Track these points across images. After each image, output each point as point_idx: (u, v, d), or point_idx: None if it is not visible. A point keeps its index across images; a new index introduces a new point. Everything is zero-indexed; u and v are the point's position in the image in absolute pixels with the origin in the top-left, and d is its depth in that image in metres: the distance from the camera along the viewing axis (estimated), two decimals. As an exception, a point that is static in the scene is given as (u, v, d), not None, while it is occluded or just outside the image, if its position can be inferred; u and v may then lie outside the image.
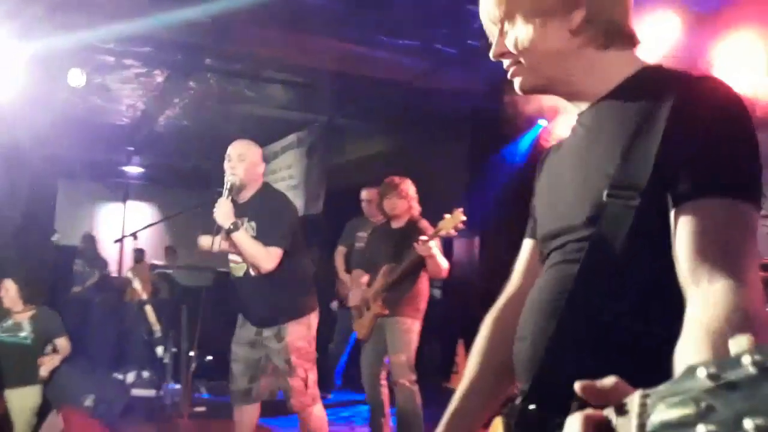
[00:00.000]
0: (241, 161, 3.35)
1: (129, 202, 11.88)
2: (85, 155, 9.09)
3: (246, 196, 3.41)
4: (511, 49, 1.14)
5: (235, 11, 4.52)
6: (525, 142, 6.63)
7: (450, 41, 5.31)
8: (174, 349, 5.08)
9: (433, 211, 4.13)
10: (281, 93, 7.15)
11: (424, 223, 4.18)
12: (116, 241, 5.54)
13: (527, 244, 1.34)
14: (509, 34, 1.14)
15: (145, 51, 6.01)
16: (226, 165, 3.36)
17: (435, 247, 3.88)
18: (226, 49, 5.68)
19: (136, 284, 5.55)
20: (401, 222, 4.31)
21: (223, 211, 3.19)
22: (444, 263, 4.04)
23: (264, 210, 3.35)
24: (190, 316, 4.99)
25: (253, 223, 3.32)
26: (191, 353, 5.82)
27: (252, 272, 3.33)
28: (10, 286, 4.23)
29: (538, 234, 1.24)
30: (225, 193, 3.25)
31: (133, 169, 10.96)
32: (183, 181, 10.72)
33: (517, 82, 1.18)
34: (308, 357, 3.41)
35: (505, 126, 6.54)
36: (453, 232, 3.83)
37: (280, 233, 3.28)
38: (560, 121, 5.54)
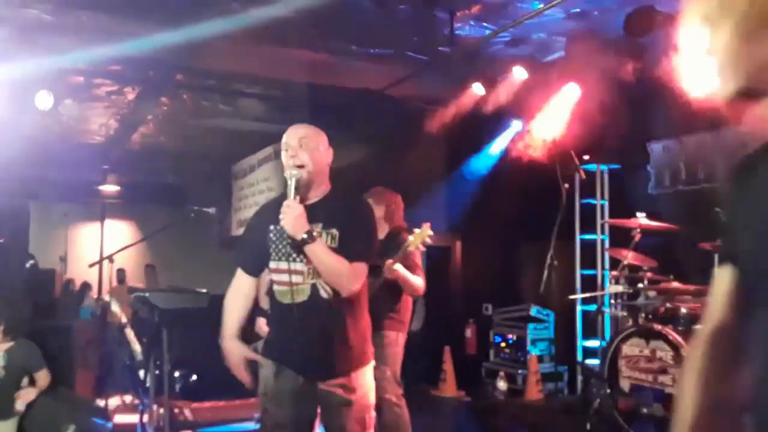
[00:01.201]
0: (306, 148, 2.53)
1: (106, 222, 11.71)
2: (59, 176, 8.96)
3: (315, 195, 2.58)
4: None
5: (205, 28, 4.48)
6: (498, 145, 6.65)
7: (420, 49, 5.33)
8: (156, 372, 4.98)
9: (409, 219, 4.11)
10: (256, 106, 7.11)
11: (405, 235, 4.06)
12: (91, 265, 5.43)
13: (727, 272, 1.15)
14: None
15: (115, 69, 5.94)
16: (285, 156, 2.54)
17: (401, 268, 3.77)
18: (197, 65, 5.63)
19: (115, 307, 5.45)
20: (381, 233, 4.24)
21: (294, 216, 2.39)
22: (416, 281, 3.85)
23: (346, 214, 2.56)
24: (172, 338, 4.90)
25: (334, 231, 2.51)
26: (176, 374, 5.73)
27: (324, 294, 2.48)
28: None
29: (749, 264, 1.08)
30: (290, 192, 2.45)
31: (109, 188, 10.81)
32: (160, 198, 10.60)
33: (731, 83, 1.05)
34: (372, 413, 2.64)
35: (478, 129, 6.56)
36: (421, 248, 3.71)
37: (367, 245, 2.57)
38: (540, 120, 5.56)
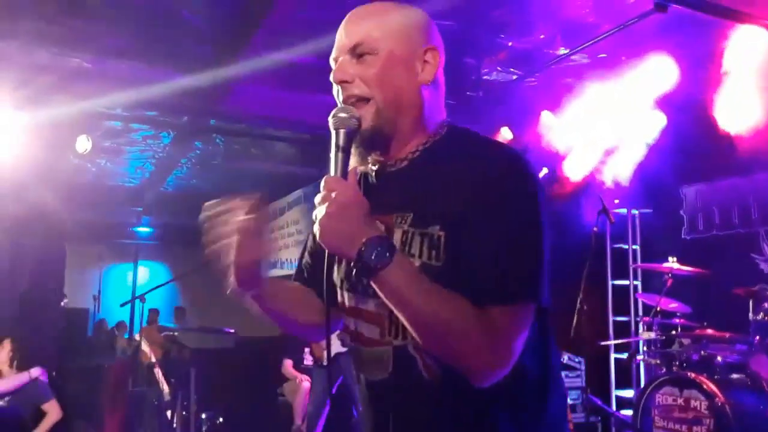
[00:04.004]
0: (371, 58, 1.24)
1: (140, 263, 11.92)
2: (95, 218, 9.17)
3: (399, 153, 1.28)
4: None
5: (236, 74, 4.61)
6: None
7: (449, 92, 5.38)
8: (183, 413, 4.99)
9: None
10: (286, 149, 7.24)
11: None
12: (123, 305, 5.51)
13: None
14: None
15: (151, 115, 6.13)
16: (333, 79, 1.27)
17: None
18: (229, 109, 5.77)
19: (145, 346, 5.51)
20: None
21: (336, 212, 1.11)
22: None
23: (472, 192, 1.16)
24: (200, 379, 4.92)
25: (437, 232, 1.17)
26: (203, 416, 5.73)
27: (424, 371, 1.20)
28: (5, 348, 4.22)
29: None
30: (335, 161, 1.18)
31: (143, 230, 11.03)
32: (192, 240, 10.71)
33: None
34: None
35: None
36: None
37: (526, 264, 1.15)
38: (569, 163, 5.54)
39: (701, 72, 4.61)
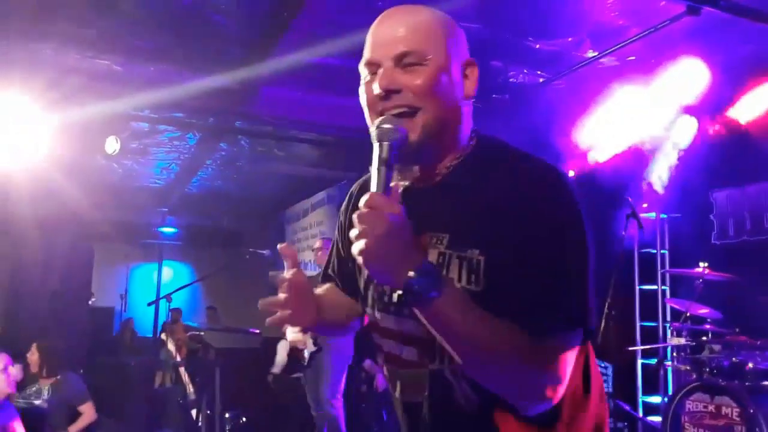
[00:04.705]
0: (418, 67, 1.16)
1: (165, 263, 12.03)
2: (121, 217, 9.29)
3: (438, 168, 1.22)
4: None
5: (263, 76, 4.64)
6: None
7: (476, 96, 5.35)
8: (208, 412, 5.02)
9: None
10: (310, 151, 7.26)
11: None
12: (150, 304, 5.58)
13: None
14: None
15: (177, 117, 6.19)
16: (364, 92, 1.22)
17: None
18: (255, 112, 5.81)
19: (170, 345, 5.56)
20: None
21: (383, 237, 1.00)
22: None
23: (512, 215, 1.11)
24: (224, 378, 4.95)
25: (476, 256, 1.13)
26: (226, 415, 5.76)
27: (461, 398, 1.17)
28: (35, 352, 4.29)
29: None
30: (376, 176, 1.07)
31: (168, 230, 11.13)
32: (217, 241, 10.84)
33: None
34: None
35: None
36: None
37: (574, 291, 1.10)
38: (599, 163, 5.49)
39: (732, 75, 4.54)
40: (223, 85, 4.86)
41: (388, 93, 1.14)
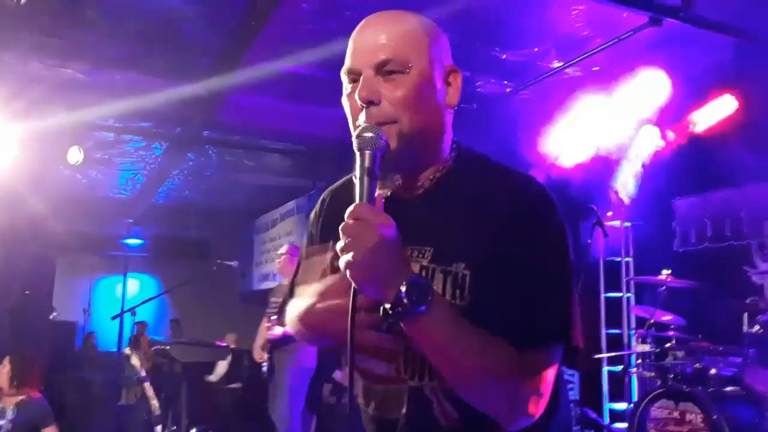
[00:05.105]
0: (397, 77, 1.13)
1: (130, 275, 11.82)
2: (85, 229, 9.11)
3: (420, 179, 1.20)
4: None
5: (231, 85, 4.60)
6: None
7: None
8: (173, 428, 4.93)
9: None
10: (280, 160, 7.23)
11: None
12: (114, 318, 5.46)
13: None
14: None
15: (144, 126, 6.10)
16: (347, 101, 1.19)
17: None
18: (223, 121, 5.76)
19: (135, 360, 5.44)
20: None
21: (369, 251, 0.97)
22: None
23: (498, 226, 1.11)
24: (191, 393, 4.87)
25: (462, 270, 1.11)
26: (193, 430, 5.66)
27: (440, 417, 1.14)
28: (6, 365, 4.16)
29: None
30: (361, 187, 1.04)
31: (133, 242, 10.95)
32: (184, 252, 10.69)
33: None
34: None
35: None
36: None
37: (559, 305, 1.10)
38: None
39: (693, 85, 4.66)
40: (191, 94, 4.81)
41: (368, 104, 1.11)
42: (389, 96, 1.10)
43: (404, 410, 1.15)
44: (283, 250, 5.46)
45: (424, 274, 1.11)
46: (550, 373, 1.07)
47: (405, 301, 0.97)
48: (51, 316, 7.57)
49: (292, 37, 4.23)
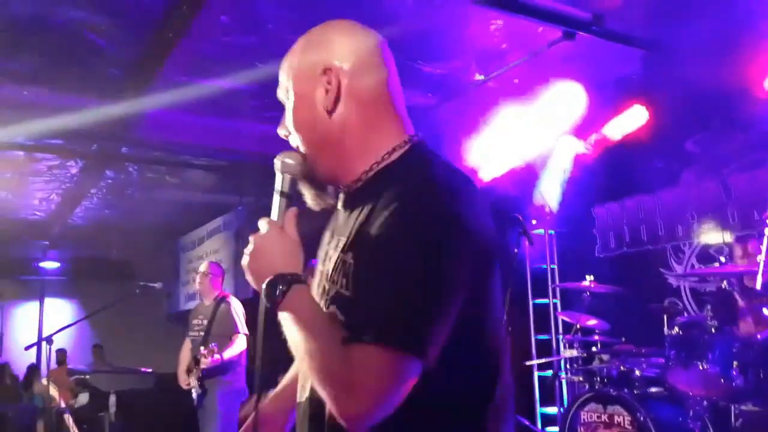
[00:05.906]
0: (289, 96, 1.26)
1: (47, 300, 11.22)
2: (-4, 253, 8.61)
3: (359, 177, 1.23)
4: None
5: (149, 99, 4.45)
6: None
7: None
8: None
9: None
10: (203, 177, 7.03)
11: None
12: (28, 348, 5.11)
13: None
14: None
15: (56, 143, 5.81)
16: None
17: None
18: (143, 137, 5.56)
19: (53, 392, 5.14)
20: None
21: (253, 256, 1.17)
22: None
23: (371, 217, 1.13)
24: (116, 423, 4.63)
25: (349, 259, 1.14)
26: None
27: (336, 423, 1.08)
28: None
29: None
30: (276, 206, 1.21)
31: (50, 265, 10.42)
32: (105, 274, 10.26)
33: None
34: None
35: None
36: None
37: (392, 300, 1.01)
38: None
39: (607, 96, 4.83)
40: (105, 110, 4.61)
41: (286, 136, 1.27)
42: (285, 123, 1.26)
43: (308, 394, 1.18)
44: (202, 268, 5.14)
45: (338, 263, 1.16)
46: (383, 379, 0.97)
47: (266, 296, 1.09)
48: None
49: (210, 50, 4.12)
